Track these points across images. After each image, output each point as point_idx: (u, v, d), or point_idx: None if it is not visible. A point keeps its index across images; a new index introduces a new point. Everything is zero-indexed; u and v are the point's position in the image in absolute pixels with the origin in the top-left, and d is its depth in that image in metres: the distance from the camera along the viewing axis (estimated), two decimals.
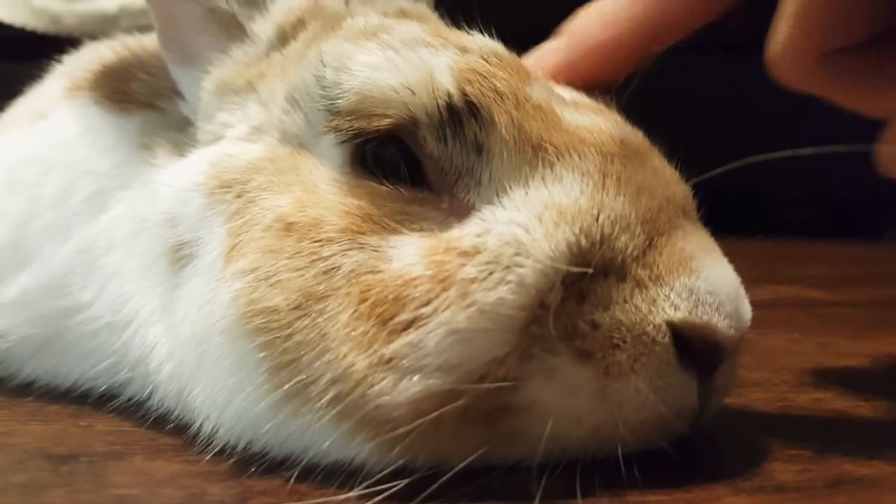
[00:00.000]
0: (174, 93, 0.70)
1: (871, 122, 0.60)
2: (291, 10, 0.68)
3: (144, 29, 0.80)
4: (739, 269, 0.56)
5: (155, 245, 0.62)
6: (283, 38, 0.67)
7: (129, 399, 0.66)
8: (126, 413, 0.65)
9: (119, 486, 0.53)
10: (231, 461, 0.56)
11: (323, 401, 0.51)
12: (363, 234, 0.54)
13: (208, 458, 0.56)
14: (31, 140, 0.76)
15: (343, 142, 0.57)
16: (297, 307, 0.53)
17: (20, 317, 0.71)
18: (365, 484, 0.50)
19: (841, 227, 2.08)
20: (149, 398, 0.64)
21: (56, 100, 0.77)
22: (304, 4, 0.68)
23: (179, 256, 0.60)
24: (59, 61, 0.85)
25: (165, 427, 0.62)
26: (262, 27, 0.68)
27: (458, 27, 0.64)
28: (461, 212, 0.55)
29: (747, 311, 0.55)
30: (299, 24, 0.67)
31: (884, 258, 1.96)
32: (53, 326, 0.69)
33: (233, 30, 0.68)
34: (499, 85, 0.56)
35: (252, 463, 0.55)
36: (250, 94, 0.65)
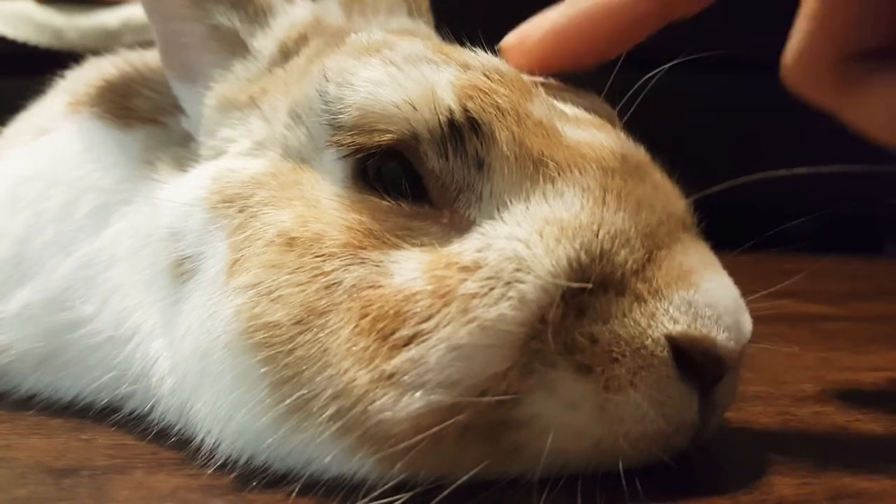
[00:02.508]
0: (176, 108, 0.71)
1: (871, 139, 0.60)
2: (293, 25, 0.68)
3: (147, 44, 0.80)
4: (739, 283, 0.56)
5: (157, 260, 0.62)
6: (286, 53, 0.67)
7: (131, 413, 0.66)
8: (127, 427, 0.65)
9: (120, 500, 0.53)
10: (232, 475, 0.56)
11: (324, 416, 0.51)
12: (364, 249, 0.54)
13: (210, 472, 0.57)
14: (33, 156, 0.76)
15: (345, 156, 0.58)
16: (298, 322, 0.53)
17: (22, 331, 0.71)
18: (366, 499, 0.50)
19: (842, 241, 2.08)
20: (150, 412, 0.64)
21: (58, 115, 0.77)
22: (305, 20, 0.69)
23: (182, 271, 0.60)
24: (61, 76, 0.86)
25: (167, 441, 0.62)
26: (264, 43, 0.68)
27: (461, 45, 0.65)
28: (462, 227, 0.55)
29: (747, 324, 0.55)
30: (301, 39, 0.68)
31: (885, 272, 1.96)
32: (55, 341, 0.69)
33: (235, 46, 0.69)
34: (500, 101, 0.56)
35: (253, 477, 0.55)
36: (253, 109, 0.65)
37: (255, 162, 0.62)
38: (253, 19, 0.69)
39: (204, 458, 0.57)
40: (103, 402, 0.68)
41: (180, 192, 0.63)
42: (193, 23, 0.68)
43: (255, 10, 0.69)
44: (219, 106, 0.67)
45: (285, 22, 0.69)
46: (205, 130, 0.67)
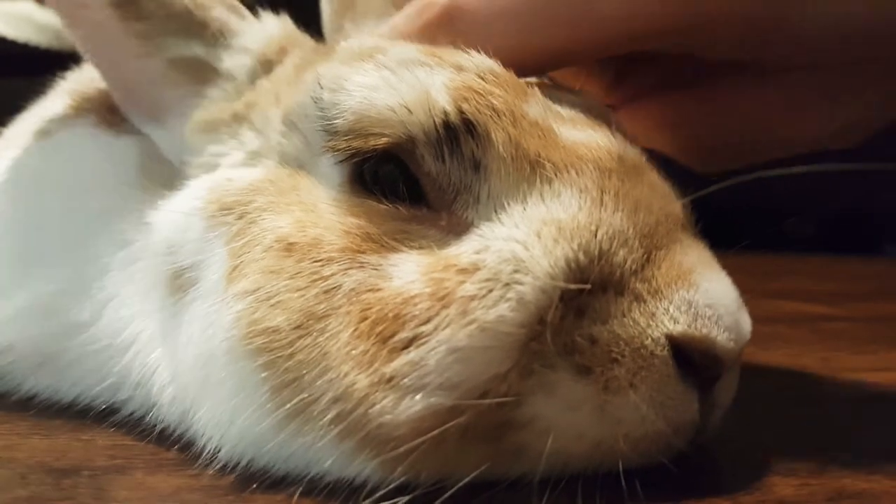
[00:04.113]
0: None
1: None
2: (270, 39, 0.69)
3: None
4: (739, 284, 0.56)
5: (154, 272, 0.62)
6: (268, 65, 0.68)
7: (132, 414, 0.66)
8: (128, 427, 0.65)
9: (121, 501, 0.53)
10: (233, 477, 0.56)
11: (325, 420, 0.51)
12: (363, 252, 0.54)
13: (210, 473, 0.57)
14: (32, 158, 0.76)
15: (341, 161, 0.58)
16: (298, 327, 0.53)
17: (21, 334, 0.70)
18: (368, 501, 0.50)
19: (841, 241, 2.08)
20: (150, 416, 0.64)
21: (59, 118, 0.77)
22: (280, 34, 0.70)
23: (180, 283, 0.60)
24: (62, 78, 0.86)
25: (168, 442, 0.62)
26: (236, 61, 0.68)
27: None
28: (460, 229, 0.55)
29: (747, 324, 0.55)
30: (282, 51, 0.68)
31: (884, 273, 1.96)
32: (53, 345, 0.69)
33: (201, 73, 0.68)
34: (495, 102, 0.56)
35: (254, 479, 0.55)
36: (242, 123, 0.65)
37: (252, 171, 0.62)
38: (212, 43, 0.68)
39: (205, 459, 0.57)
40: (103, 406, 0.68)
41: (176, 203, 0.63)
42: (148, 60, 0.68)
43: (213, 34, 0.68)
44: (202, 129, 0.67)
45: (259, 37, 0.69)
46: (190, 152, 0.67)
